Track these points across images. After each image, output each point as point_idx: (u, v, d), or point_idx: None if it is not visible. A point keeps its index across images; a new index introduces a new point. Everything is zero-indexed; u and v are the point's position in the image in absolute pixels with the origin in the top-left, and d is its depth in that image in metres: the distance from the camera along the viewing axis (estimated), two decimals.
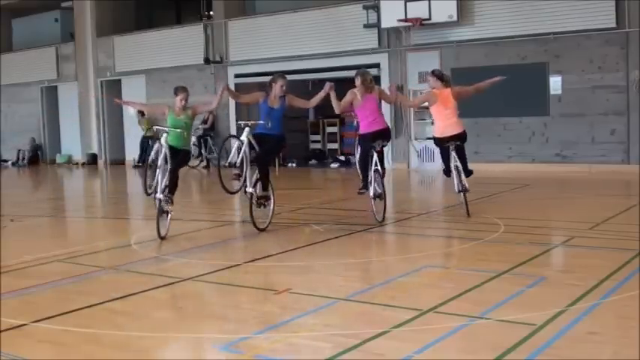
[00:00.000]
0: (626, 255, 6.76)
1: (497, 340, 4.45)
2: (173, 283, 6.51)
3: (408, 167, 18.67)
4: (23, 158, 26.74)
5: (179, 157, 8.86)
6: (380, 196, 9.31)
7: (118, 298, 5.95)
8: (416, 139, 18.57)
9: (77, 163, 25.52)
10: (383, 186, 9.36)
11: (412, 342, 4.48)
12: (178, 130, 8.88)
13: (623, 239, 7.79)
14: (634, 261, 6.53)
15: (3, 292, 6.14)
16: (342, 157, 21.47)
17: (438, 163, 18.06)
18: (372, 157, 9.25)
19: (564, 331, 4.58)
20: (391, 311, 5.25)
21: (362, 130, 9.52)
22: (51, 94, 26.75)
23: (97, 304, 5.75)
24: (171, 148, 8.68)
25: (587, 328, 4.67)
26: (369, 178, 9.25)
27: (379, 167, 9.26)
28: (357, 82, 9.34)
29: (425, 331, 4.71)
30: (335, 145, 22.74)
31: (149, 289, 6.30)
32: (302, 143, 22.69)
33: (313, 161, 22.12)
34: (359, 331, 4.75)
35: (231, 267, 7.12)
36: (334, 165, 21.09)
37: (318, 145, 23.02)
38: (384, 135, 9.42)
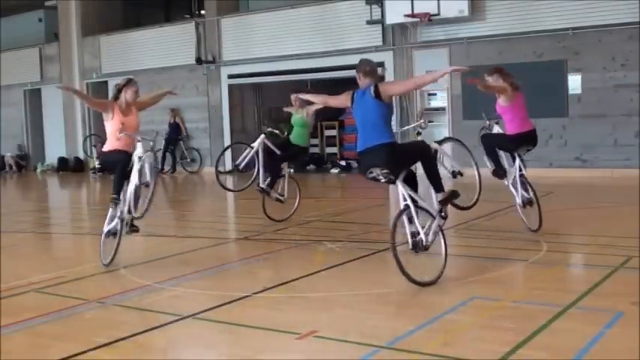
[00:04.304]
0: None
1: None
2: (170, 323, 5.41)
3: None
4: (11, 166, 25.48)
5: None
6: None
7: (103, 346, 4.86)
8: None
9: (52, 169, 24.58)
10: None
11: None
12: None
13: None
14: None
15: None
16: (343, 162, 20.20)
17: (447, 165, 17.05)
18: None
19: None
20: None
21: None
22: (34, 96, 25.57)
23: (76, 355, 4.68)
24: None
25: None
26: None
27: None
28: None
29: None
30: (334, 149, 21.58)
31: (141, 332, 5.21)
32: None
33: (311, 166, 20.89)
34: None
35: (237, 299, 6.00)
36: (334, 170, 19.88)
37: (316, 150, 21.75)
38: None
